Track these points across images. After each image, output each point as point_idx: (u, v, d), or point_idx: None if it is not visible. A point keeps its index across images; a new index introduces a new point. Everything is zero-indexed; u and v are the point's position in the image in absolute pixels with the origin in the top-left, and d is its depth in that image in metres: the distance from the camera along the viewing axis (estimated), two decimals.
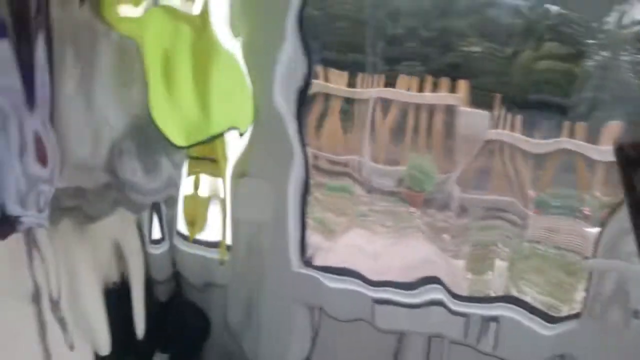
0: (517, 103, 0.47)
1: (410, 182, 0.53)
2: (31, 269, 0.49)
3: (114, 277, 0.57)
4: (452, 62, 0.48)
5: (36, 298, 0.49)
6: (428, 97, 0.50)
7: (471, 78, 0.48)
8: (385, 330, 0.55)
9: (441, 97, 0.50)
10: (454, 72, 0.48)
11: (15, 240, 0.48)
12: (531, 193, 0.49)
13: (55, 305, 0.51)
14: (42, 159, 0.47)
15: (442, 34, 0.48)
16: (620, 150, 0.29)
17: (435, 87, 0.50)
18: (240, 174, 0.58)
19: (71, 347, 0.52)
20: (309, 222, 0.58)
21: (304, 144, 0.55)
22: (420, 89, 0.50)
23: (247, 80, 0.54)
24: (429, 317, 0.53)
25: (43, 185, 0.47)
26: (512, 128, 0.48)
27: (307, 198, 0.57)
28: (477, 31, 0.46)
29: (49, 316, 0.50)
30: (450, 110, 0.50)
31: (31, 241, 0.49)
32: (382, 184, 0.54)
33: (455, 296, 0.52)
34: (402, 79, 0.51)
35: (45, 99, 0.46)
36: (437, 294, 0.53)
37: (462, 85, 0.49)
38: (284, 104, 0.54)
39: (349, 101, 0.54)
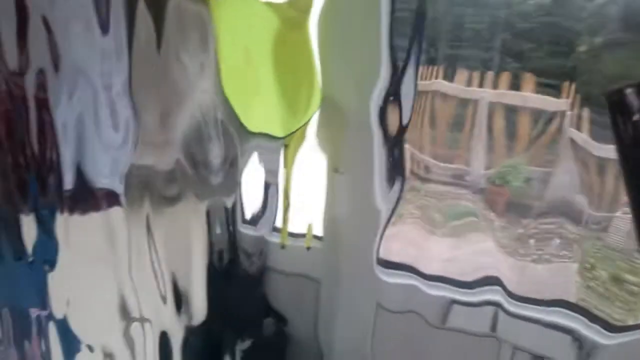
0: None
1: (493, 177, 0.52)
2: (110, 245, 0.51)
3: (181, 259, 0.59)
4: (556, 62, 0.47)
5: (114, 275, 0.52)
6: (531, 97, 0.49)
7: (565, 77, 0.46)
8: (438, 327, 0.55)
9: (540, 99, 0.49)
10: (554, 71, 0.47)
11: (96, 216, 0.50)
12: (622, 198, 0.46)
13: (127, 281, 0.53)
14: (122, 133, 0.49)
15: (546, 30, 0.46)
16: (607, 95, 0.35)
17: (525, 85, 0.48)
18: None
19: (140, 321, 0.54)
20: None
21: (386, 140, 0.54)
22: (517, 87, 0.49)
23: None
24: (484, 317, 0.53)
25: (122, 159, 0.48)
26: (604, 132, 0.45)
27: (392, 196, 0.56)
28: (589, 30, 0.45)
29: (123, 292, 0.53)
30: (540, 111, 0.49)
31: (108, 218, 0.52)
32: (456, 180, 0.53)
33: (514, 297, 0.51)
34: (490, 76, 0.50)
35: (125, 71, 0.48)
36: (495, 295, 0.52)
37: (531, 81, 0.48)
38: (367, 98, 0.54)
39: (420, 95, 0.53)
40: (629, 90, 0.34)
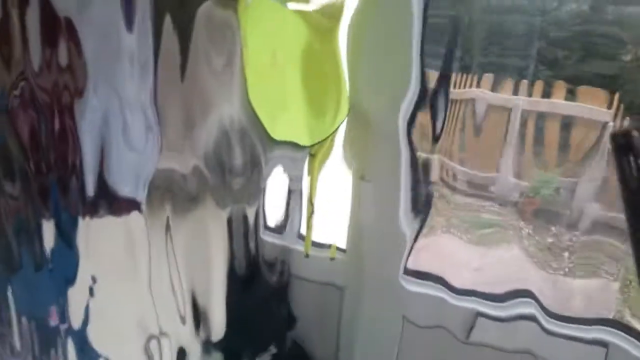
0: None
1: (529, 190, 0.50)
2: (131, 253, 0.51)
3: (201, 271, 0.58)
4: (598, 71, 0.45)
5: (134, 289, 0.51)
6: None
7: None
8: (467, 342, 0.54)
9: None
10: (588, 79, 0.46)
11: (117, 227, 0.49)
12: None
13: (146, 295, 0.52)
14: (146, 140, 0.48)
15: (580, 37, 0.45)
16: (613, 137, 0.34)
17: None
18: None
19: (159, 336, 0.53)
20: None
21: (412, 148, 0.53)
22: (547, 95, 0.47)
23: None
24: (516, 332, 0.51)
25: (145, 166, 0.48)
26: None
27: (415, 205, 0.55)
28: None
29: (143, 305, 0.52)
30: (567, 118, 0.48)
31: (129, 226, 0.51)
32: (486, 192, 0.52)
33: (550, 313, 0.50)
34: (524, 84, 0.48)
35: (150, 78, 0.48)
36: (529, 308, 0.50)
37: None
38: (396, 106, 0.53)
39: (450, 102, 0.51)
40: (635, 133, 0.32)
